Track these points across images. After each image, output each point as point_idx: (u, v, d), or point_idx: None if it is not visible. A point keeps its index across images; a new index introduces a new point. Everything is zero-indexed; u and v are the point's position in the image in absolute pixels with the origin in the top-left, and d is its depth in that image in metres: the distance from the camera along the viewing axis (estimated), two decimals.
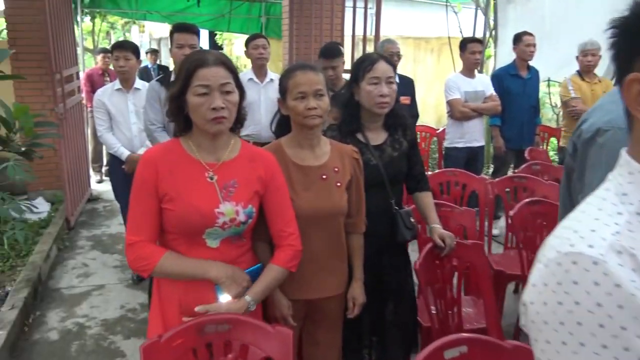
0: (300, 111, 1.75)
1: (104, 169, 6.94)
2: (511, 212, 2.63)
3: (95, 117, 3.76)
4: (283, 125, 1.94)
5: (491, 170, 5.33)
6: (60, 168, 4.88)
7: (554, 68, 5.78)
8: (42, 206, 5.31)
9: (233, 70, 1.60)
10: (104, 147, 6.88)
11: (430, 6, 9.05)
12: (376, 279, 2.15)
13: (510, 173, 5.26)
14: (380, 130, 2.19)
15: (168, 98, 1.60)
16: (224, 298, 1.59)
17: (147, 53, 8.52)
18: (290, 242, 1.69)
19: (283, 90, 1.82)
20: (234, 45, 17.69)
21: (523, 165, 3.69)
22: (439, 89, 8.86)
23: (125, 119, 3.71)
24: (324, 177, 1.84)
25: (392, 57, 4.19)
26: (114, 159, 3.78)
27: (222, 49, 15.62)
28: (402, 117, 2.19)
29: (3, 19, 5.33)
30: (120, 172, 3.68)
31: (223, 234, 1.61)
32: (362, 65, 2.06)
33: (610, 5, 4.94)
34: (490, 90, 4.42)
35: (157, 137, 3.07)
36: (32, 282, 3.52)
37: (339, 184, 1.85)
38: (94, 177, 6.70)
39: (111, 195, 6.09)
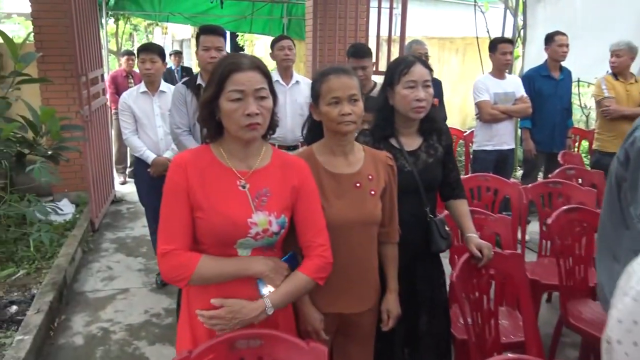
0: (334, 117, 1.68)
1: (127, 171, 6.97)
2: (549, 220, 2.52)
3: (120, 120, 3.75)
4: (314, 130, 1.87)
5: (520, 173, 5.19)
6: (85, 170, 4.90)
7: (584, 68, 5.61)
8: (66, 208, 5.35)
9: (267, 75, 1.54)
10: (128, 149, 6.93)
11: (455, 6, 8.90)
12: (409, 289, 2.07)
13: (540, 177, 5.14)
14: (415, 135, 2.11)
15: (200, 103, 1.55)
16: (268, 290, 1.55)
17: (170, 55, 8.55)
18: (320, 253, 1.60)
19: (315, 94, 1.75)
20: (255, 46, 17.75)
21: (557, 170, 3.57)
22: (463, 90, 8.74)
23: (151, 122, 3.68)
24: (358, 185, 1.76)
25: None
26: (139, 162, 3.77)
27: (243, 50, 15.65)
28: (437, 121, 2.11)
29: (30, 22, 5.37)
30: (146, 175, 3.66)
31: (255, 244, 1.55)
32: (398, 69, 1.98)
33: None
34: (520, 92, 4.29)
35: (183, 141, 3.04)
36: (58, 285, 3.52)
37: (373, 192, 1.78)
38: (117, 179, 6.73)
39: (135, 197, 6.13)
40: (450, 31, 8.79)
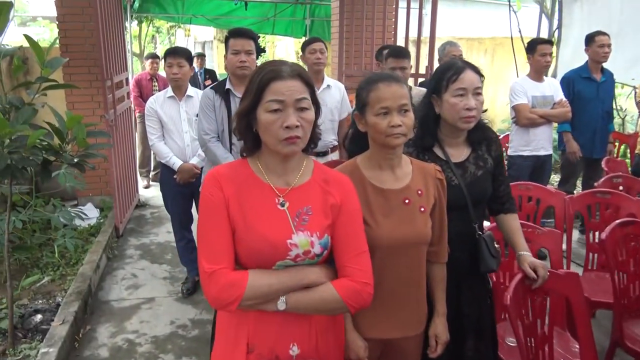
0: (383, 129, 1.55)
1: (151, 174, 6.93)
2: (603, 234, 2.34)
3: (147, 126, 3.66)
4: (357, 141, 1.73)
5: (554, 179, 4.98)
6: (110, 175, 4.84)
7: (622, 70, 5.38)
8: (91, 212, 5.31)
9: (310, 84, 1.41)
10: (151, 152, 6.88)
11: (483, 5, 8.70)
12: (455, 312, 1.92)
13: (578, 184, 4.92)
14: (463, 145, 1.96)
15: (237, 114, 1.43)
16: None
17: (193, 57, 8.48)
18: (358, 279, 1.41)
19: (362, 103, 1.61)
20: (277, 47, 17.71)
21: (602, 179, 3.37)
22: (492, 91, 8.51)
23: (178, 128, 3.59)
24: (407, 201, 1.62)
25: None
26: (165, 169, 3.68)
27: (264, 51, 15.61)
28: (487, 130, 1.96)
29: (55, 25, 5.35)
30: (172, 181, 3.57)
31: (295, 265, 1.42)
32: (446, 75, 1.83)
33: None
34: (559, 95, 4.10)
35: (211, 147, 2.93)
36: (83, 294, 3.44)
37: (422, 209, 1.64)
38: (141, 183, 6.68)
39: (159, 202, 6.08)
40: (479, 31, 8.59)
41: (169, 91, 3.64)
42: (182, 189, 3.60)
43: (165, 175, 3.71)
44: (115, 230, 4.79)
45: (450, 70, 1.83)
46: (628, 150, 5.11)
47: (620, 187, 3.41)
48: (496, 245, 1.98)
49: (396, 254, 1.60)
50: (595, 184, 3.30)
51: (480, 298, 2.00)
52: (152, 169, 6.96)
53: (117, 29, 5.28)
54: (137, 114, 6.73)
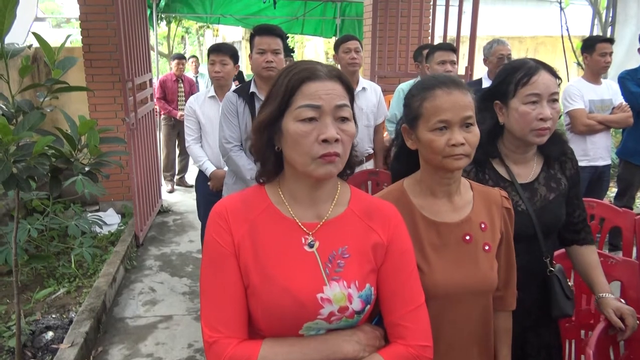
0: (440, 148, 1.22)
1: (175, 178, 6.73)
2: None
3: (185, 126, 3.40)
4: (404, 158, 1.40)
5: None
6: (130, 181, 4.62)
7: None
8: (112, 218, 5.12)
9: (350, 90, 1.11)
10: (176, 155, 6.69)
11: (524, 3, 8.24)
12: None
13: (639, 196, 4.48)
14: (531, 162, 1.62)
15: (255, 126, 1.12)
16: None
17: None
18: (417, 342, 1.11)
19: (413, 115, 1.28)
20: (306, 47, 17.47)
21: None
22: None
23: (215, 130, 3.30)
24: (468, 237, 1.29)
25: (502, 61, 3.59)
26: (200, 173, 3.40)
27: (293, 51, 15.36)
28: (562, 144, 1.61)
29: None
30: (205, 188, 3.29)
31: (328, 327, 1.10)
32: (515, 77, 1.49)
33: None
34: (618, 99, 3.69)
35: (234, 157, 2.65)
36: (96, 311, 3.21)
37: (487, 248, 1.30)
38: (165, 187, 6.48)
39: (182, 207, 5.89)
40: (519, 30, 8.14)
41: (210, 90, 3.37)
42: (215, 197, 3.31)
43: (199, 180, 3.44)
44: (135, 239, 4.57)
45: (520, 71, 1.49)
46: None
47: None
48: (570, 284, 1.64)
49: (455, 305, 1.27)
50: None
51: (550, 348, 1.65)
52: (176, 172, 6.76)
53: (141, 28, 5.07)
54: (162, 116, 6.54)
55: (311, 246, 1.11)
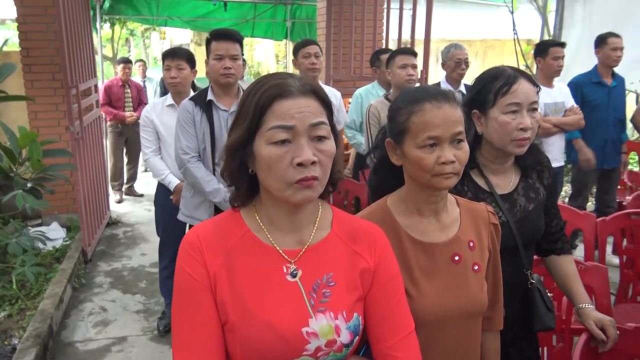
0: (429, 166, 1.14)
1: (124, 187, 6.43)
2: None
3: (141, 137, 3.19)
4: (384, 173, 1.32)
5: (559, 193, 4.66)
6: (76, 193, 4.35)
7: (620, 73, 5.11)
8: (56, 232, 4.80)
9: (327, 104, 1.01)
10: (124, 164, 6.40)
11: (473, 6, 8.41)
12: None
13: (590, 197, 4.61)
14: (509, 172, 1.57)
15: (226, 149, 1.02)
16: None
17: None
18: None
19: (399, 129, 1.20)
20: (255, 50, 17.27)
21: (630, 196, 3.03)
22: None
23: None
24: (457, 258, 1.22)
25: (459, 65, 3.60)
26: (161, 187, 3.21)
27: (243, 54, 15.15)
28: (538, 153, 1.58)
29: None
30: (166, 202, 3.09)
31: None
32: (494, 85, 1.44)
33: None
34: (570, 102, 3.77)
35: (191, 169, 2.50)
36: (42, 337, 2.97)
37: (477, 268, 1.24)
38: (113, 197, 6.18)
39: (132, 219, 5.62)
40: (468, 33, 8.31)
41: (168, 99, 3.18)
42: (177, 211, 3.12)
43: (160, 195, 3.23)
44: (82, 255, 4.30)
45: (500, 79, 1.44)
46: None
47: None
48: (549, 295, 1.61)
49: (444, 330, 1.20)
50: (625, 202, 2.96)
51: None
52: (125, 181, 6.47)
53: (84, 30, 4.79)
54: (109, 123, 6.24)
55: (294, 275, 1.01)
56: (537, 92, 1.47)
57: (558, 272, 1.67)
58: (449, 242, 1.23)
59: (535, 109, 1.46)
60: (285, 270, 1.01)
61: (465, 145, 1.16)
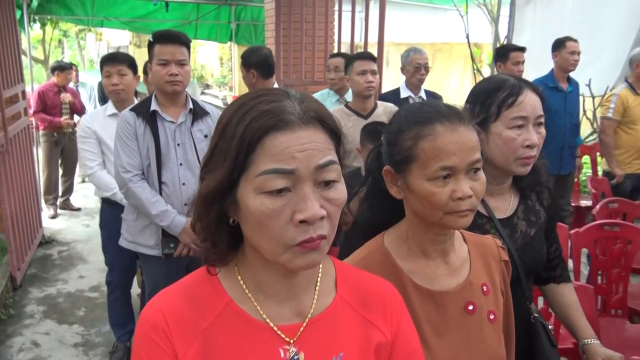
0: (443, 203, 0.93)
1: (59, 201, 5.92)
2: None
3: (82, 150, 2.83)
4: (380, 206, 1.09)
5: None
6: (3, 209, 3.89)
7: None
8: None
9: (337, 134, 0.76)
10: (58, 176, 5.90)
11: (422, 9, 8.38)
12: None
13: None
14: (507, 194, 1.39)
15: (200, 198, 0.74)
16: None
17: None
18: None
19: (402, 155, 0.97)
20: (198, 53, 16.74)
21: (599, 204, 2.96)
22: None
23: None
24: (471, 307, 1.02)
25: (419, 70, 3.46)
26: (108, 206, 2.86)
27: None
28: (538, 173, 1.40)
29: None
30: (115, 223, 2.66)
31: None
32: (498, 97, 1.25)
33: (632, 6, 4.32)
34: None
35: (134, 190, 2.20)
36: None
37: (492, 317, 1.04)
38: (46, 212, 5.66)
39: (68, 236, 5.15)
40: (417, 36, 8.27)
41: (109, 107, 2.85)
42: None
43: (107, 214, 2.87)
44: (10, 280, 3.85)
45: (504, 90, 1.25)
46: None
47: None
48: (550, 327, 1.44)
49: None
50: (594, 212, 2.89)
51: None
52: (59, 194, 5.95)
53: (9, 31, 4.32)
54: (41, 132, 5.72)
55: None
56: (543, 104, 1.29)
57: (558, 302, 1.51)
58: (460, 289, 1.02)
59: (542, 124, 1.28)
60: (282, 354, 0.76)
61: (483, 176, 0.95)
